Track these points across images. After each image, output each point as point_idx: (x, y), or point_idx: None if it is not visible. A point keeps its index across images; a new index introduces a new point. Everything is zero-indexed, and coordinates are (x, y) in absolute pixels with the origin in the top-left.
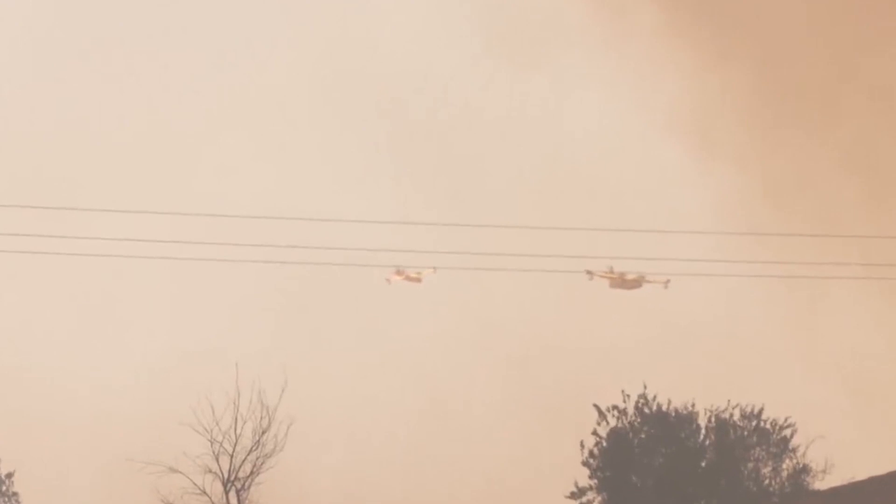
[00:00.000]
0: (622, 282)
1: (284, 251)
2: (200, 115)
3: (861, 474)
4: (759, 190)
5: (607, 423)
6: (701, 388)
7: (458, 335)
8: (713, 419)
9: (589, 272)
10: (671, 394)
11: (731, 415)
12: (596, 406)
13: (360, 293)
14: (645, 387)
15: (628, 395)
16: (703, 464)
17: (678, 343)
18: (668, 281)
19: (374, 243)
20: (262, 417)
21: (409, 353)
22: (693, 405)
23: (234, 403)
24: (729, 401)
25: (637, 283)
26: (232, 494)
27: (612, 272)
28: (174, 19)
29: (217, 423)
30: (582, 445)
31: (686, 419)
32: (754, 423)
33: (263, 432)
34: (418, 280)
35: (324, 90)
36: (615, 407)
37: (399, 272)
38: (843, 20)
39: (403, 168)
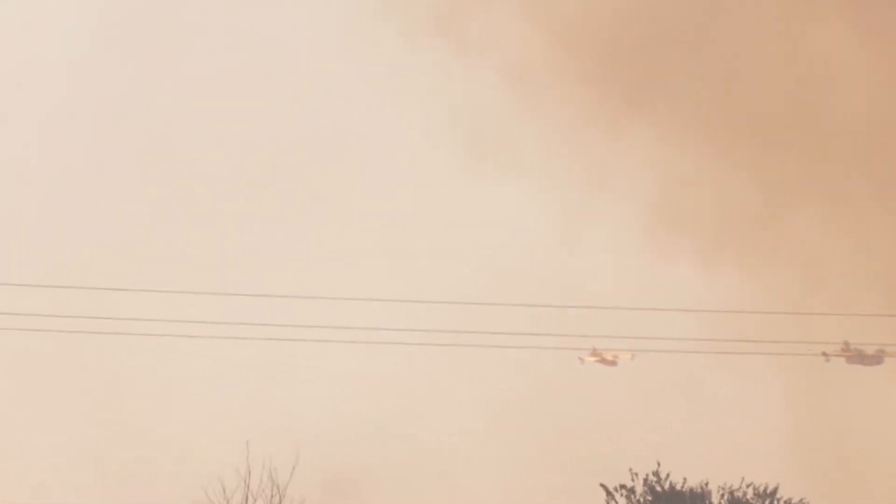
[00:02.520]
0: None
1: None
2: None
3: None
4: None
5: (616, 502)
6: (714, 466)
7: (470, 412)
8: (726, 497)
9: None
10: (683, 471)
11: (745, 493)
12: (603, 486)
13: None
14: (658, 464)
15: (636, 474)
16: None
17: (691, 418)
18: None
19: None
20: (272, 496)
21: (418, 427)
22: (707, 484)
23: (245, 482)
24: (743, 479)
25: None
26: None
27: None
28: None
29: (227, 501)
30: None
31: (699, 498)
32: (768, 501)
33: None
34: (613, 363)
35: None
36: (623, 486)
37: (595, 353)
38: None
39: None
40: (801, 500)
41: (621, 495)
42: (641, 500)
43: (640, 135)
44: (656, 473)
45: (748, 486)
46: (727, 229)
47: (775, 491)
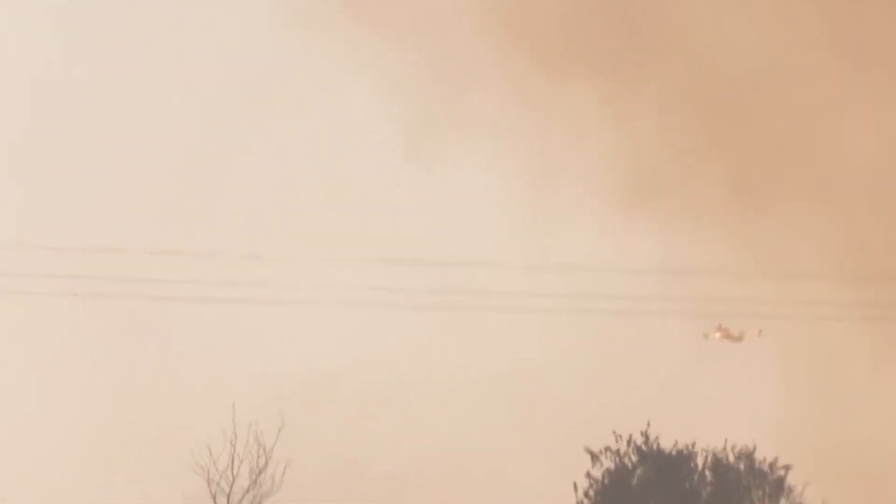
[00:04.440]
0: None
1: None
2: None
3: None
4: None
5: (601, 464)
6: (698, 427)
7: (463, 376)
8: (710, 459)
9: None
10: (669, 433)
11: (728, 455)
12: (588, 449)
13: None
14: (648, 425)
15: (620, 436)
16: None
17: (678, 381)
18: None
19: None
20: (258, 457)
21: (409, 393)
22: (693, 445)
23: (231, 444)
24: (726, 440)
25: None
26: None
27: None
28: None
29: (214, 463)
30: (575, 487)
31: (685, 459)
32: (749, 462)
33: (260, 472)
34: (739, 340)
35: None
36: (608, 448)
37: (721, 329)
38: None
39: None
40: (785, 465)
41: (607, 458)
42: (627, 461)
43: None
44: (644, 434)
45: (733, 446)
46: (691, 191)
47: (752, 451)
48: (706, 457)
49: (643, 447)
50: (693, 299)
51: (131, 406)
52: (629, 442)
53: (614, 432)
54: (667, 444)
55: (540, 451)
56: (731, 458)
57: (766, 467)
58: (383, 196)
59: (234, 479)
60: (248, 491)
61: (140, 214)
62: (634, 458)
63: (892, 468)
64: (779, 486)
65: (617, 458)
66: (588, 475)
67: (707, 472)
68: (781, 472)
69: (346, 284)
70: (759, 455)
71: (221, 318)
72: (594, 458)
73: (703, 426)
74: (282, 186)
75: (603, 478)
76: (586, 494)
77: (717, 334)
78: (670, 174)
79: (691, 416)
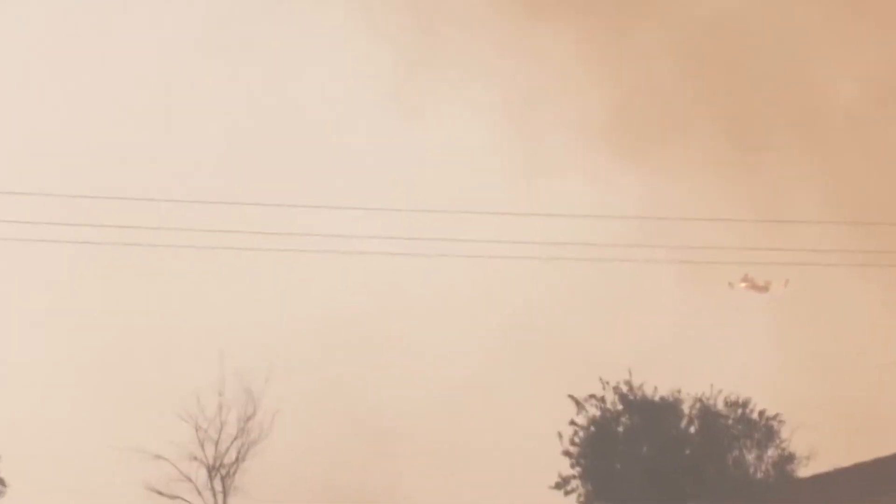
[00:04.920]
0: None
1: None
2: None
3: (845, 462)
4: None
5: (586, 412)
6: (686, 375)
7: (443, 321)
8: (698, 407)
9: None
10: (657, 380)
11: (716, 402)
12: (572, 397)
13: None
14: (630, 373)
15: (607, 383)
16: (688, 452)
17: (666, 330)
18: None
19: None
20: (246, 404)
21: (398, 341)
22: (679, 392)
23: (219, 392)
24: (712, 385)
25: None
26: (217, 481)
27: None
28: None
29: (202, 411)
30: (560, 436)
31: (671, 407)
32: (739, 411)
33: (248, 419)
34: (765, 290)
35: None
36: (593, 396)
37: (746, 279)
38: None
39: None
40: (776, 414)
41: (592, 405)
42: (612, 409)
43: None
44: (628, 382)
45: (718, 392)
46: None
47: (741, 400)
48: (694, 404)
49: (629, 395)
50: (684, 247)
51: (122, 352)
52: (615, 389)
53: (601, 379)
54: (659, 391)
55: (532, 398)
56: (720, 406)
57: (755, 415)
58: (370, 144)
59: (221, 427)
60: (235, 438)
61: (132, 161)
62: (620, 406)
63: (888, 417)
64: (768, 435)
65: (602, 406)
66: (573, 422)
67: (695, 420)
68: (771, 421)
69: (333, 232)
70: (749, 403)
71: (213, 265)
72: (579, 405)
73: (694, 374)
74: (269, 133)
75: (589, 425)
76: (572, 442)
77: (743, 284)
78: (660, 120)
79: (681, 364)
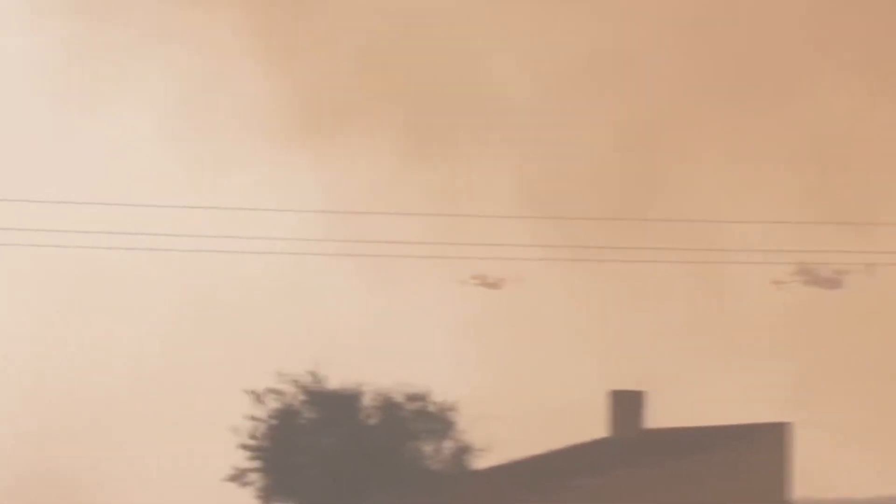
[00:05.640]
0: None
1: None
2: None
3: (523, 453)
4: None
5: (266, 405)
6: (369, 368)
7: (125, 311)
8: (378, 399)
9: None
10: (340, 373)
11: (396, 395)
12: (250, 390)
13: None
14: (313, 366)
15: (287, 376)
16: (368, 444)
17: (350, 323)
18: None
19: None
20: None
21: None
22: (360, 385)
23: None
24: (393, 378)
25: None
26: None
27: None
28: None
29: None
30: (237, 430)
31: (352, 399)
32: (418, 404)
33: None
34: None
35: None
36: (273, 389)
37: (477, 276)
38: None
39: None
40: (452, 406)
41: (272, 398)
42: (293, 402)
43: None
44: (311, 374)
45: (399, 385)
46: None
47: (421, 392)
48: (375, 396)
49: (310, 387)
50: (361, 241)
51: None
52: (296, 382)
53: (281, 372)
54: (341, 384)
55: (211, 391)
56: (401, 399)
57: (434, 408)
58: (35, 136)
59: None
60: None
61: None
62: (301, 398)
63: (562, 410)
64: (445, 426)
65: (283, 399)
66: (252, 416)
67: (375, 412)
68: (448, 412)
69: (11, 226)
70: (427, 395)
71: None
72: (258, 398)
73: (377, 368)
74: None
75: (269, 419)
76: (252, 436)
77: (474, 281)
78: (341, 112)
79: (364, 357)
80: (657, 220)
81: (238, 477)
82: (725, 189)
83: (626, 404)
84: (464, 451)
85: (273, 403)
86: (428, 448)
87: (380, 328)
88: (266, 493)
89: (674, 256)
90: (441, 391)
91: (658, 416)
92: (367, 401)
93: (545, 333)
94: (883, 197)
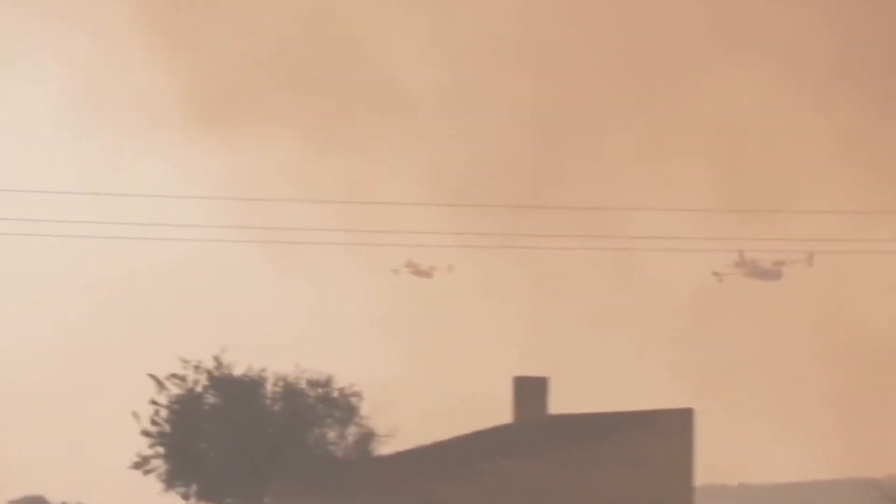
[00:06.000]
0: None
1: None
2: None
3: (425, 439)
4: None
5: (167, 391)
6: (275, 354)
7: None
8: (281, 385)
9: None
10: (246, 360)
11: (300, 381)
12: (152, 375)
13: None
14: (222, 350)
15: (189, 362)
16: (272, 431)
17: (256, 310)
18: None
19: None
20: None
21: None
22: (264, 371)
23: None
24: (297, 365)
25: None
26: None
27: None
28: None
29: None
30: (136, 416)
31: (255, 385)
32: (321, 390)
33: None
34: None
35: None
36: (175, 375)
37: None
38: None
39: None
40: (356, 391)
41: (175, 384)
42: (197, 388)
43: None
44: (215, 360)
45: (303, 371)
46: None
47: (325, 378)
48: (277, 382)
49: (213, 372)
50: (263, 227)
51: None
52: (197, 368)
53: (183, 358)
54: (246, 371)
55: (114, 377)
56: (304, 385)
57: (338, 394)
58: None
59: None
60: None
61: None
62: (204, 384)
63: (466, 397)
64: (349, 412)
65: (185, 385)
66: (154, 402)
67: (279, 399)
68: (351, 398)
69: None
70: (331, 381)
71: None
72: (160, 384)
73: (281, 353)
74: None
75: (171, 404)
76: (153, 421)
77: (406, 270)
78: (239, 100)
79: (270, 343)
80: (576, 208)
81: (141, 464)
82: (634, 179)
83: (530, 391)
84: (368, 437)
85: (175, 389)
86: (332, 434)
87: (288, 315)
88: (169, 478)
89: (585, 244)
90: (347, 378)
91: (564, 402)
92: (270, 387)
93: (455, 321)
94: (788, 184)
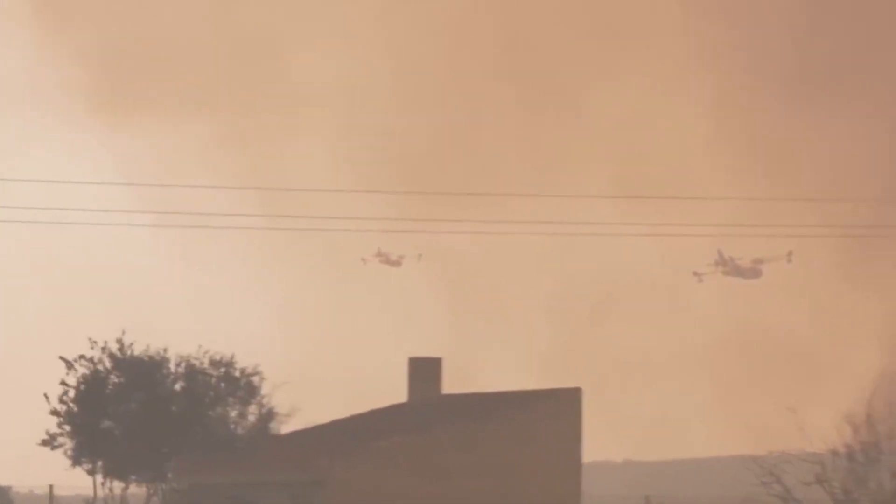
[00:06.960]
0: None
1: None
2: None
3: (324, 418)
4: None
5: (76, 371)
6: (179, 335)
7: None
8: (183, 366)
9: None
10: (150, 341)
11: (202, 361)
12: (62, 358)
13: None
14: (123, 332)
15: (95, 342)
16: (174, 409)
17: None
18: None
19: None
20: None
21: None
22: (166, 351)
23: None
24: (200, 346)
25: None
26: None
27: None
28: None
29: None
30: (46, 397)
31: (158, 365)
32: (223, 370)
33: None
34: (398, 265)
35: None
36: (82, 356)
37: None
38: None
39: None
40: (255, 367)
41: (82, 365)
42: (102, 368)
43: None
44: (119, 342)
45: (205, 352)
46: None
47: (226, 358)
48: (180, 363)
49: (117, 353)
50: (169, 212)
51: None
52: (104, 349)
53: (90, 339)
54: (149, 351)
55: (24, 358)
56: (206, 364)
57: (239, 373)
58: None
59: None
60: None
61: None
62: (108, 365)
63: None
64: (250, 391)
65: (91, 365)
66: (63, 382)
67: (181, 378)
68: (252, 377)
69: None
70: (232, 361)
71: None
72: (69, 365)
73: (182, 333)
74: None
75: (78, 384)
76: (61, 401)
77: (377, 259)
78: (135, 87)
79: (175, 325)
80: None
81: (49, 441)
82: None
83: (424, 371)
84: (268, 415)
85: (82, 370)
86: (233, 413)
87: (193, 298)
88: (75, 455)
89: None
90: (247, 358)
91: (458, 382)
92: (171, 367)
93: (357, 306)
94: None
